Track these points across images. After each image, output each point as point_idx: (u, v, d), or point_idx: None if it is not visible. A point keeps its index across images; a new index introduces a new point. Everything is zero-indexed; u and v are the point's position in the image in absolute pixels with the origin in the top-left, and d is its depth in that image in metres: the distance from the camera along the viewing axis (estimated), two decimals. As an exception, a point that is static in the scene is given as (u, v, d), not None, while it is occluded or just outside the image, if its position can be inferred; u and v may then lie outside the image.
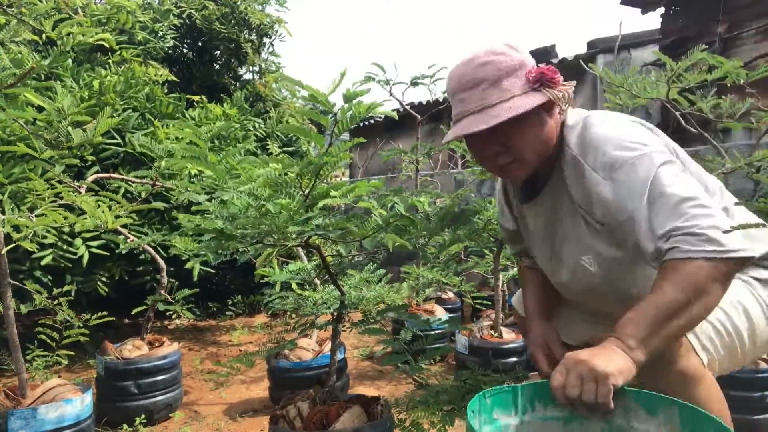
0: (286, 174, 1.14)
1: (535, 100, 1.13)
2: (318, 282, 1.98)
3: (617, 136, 1.12)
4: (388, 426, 1.37)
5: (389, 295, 1.44)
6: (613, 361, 0.93)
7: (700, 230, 0.98)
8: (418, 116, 3.40)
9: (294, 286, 1.98)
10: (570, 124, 1.22)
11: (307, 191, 1.13)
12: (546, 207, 1.28)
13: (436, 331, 3.12)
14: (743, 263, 1.00)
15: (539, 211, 1.30)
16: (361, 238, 1.21)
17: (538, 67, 1.20)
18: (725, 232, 0.98)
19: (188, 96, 4.17)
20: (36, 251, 2.46)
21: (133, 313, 2.68)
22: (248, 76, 5.33)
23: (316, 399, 1.44)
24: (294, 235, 1.16)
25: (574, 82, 1.23)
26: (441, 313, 3.29)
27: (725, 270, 0.98)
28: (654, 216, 1.04)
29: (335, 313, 1.47)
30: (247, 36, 4.84)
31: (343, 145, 1.11)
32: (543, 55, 9.27)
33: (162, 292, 2.55)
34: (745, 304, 1.13)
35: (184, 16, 4.54)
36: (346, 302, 1.42)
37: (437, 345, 2.92)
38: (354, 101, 1.04)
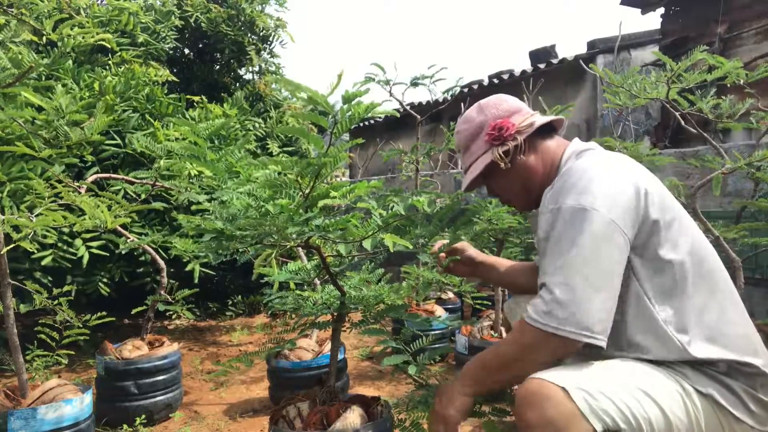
0: (285, 174, 1.14)
1: (488, 158, 1.28)
2: (318, 282, 1.98)
3: (588, 182, 1.11)
4: (388, 426, 1.37)
5: (389, 295, 1.44)
6: (452, 404, 1.18)
7: (549, 302, 1.06)
8: (418, 116, 3.40)
9: (292, 286, 1.98)
10: (577, 150, 1.28)
11: (306, 192, 1.13)
12: (534, 222, 1.35)
13: (436, 331, 3.12)
14: (574, 344, 1.05)
15: (534, 225, 1.36)
16: (361, 239, 1.21)
17: (495, 122, 1.31)
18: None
19: (188, 96, 4.18)
20: (36, 251, 2.46)
21: (133, 313, 2.68)
22: (248, 76, 5.33)
23: (316, 399, 1.44)
24: (294, 236, 1.16)
25: (533, 120, 1.29)
26: (441, 313, 3.29)
27: (556, 344, 1.06)
28: (542, 260, 1.14)
29: (335, 314, 1.47)
30: (251, 39, 4.84)
31: (342, 146, 1.11)
32: (543, 55, 9.28)
33: (162, 292, 2.55)
34: (673, 405, 1.04)
35: (190, 20, 4.54)
36: (346, 302, 1.42)
37: (437, 345, 2.92)
38: (353, 102, 1.04)
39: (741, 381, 1.09)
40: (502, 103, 1.34)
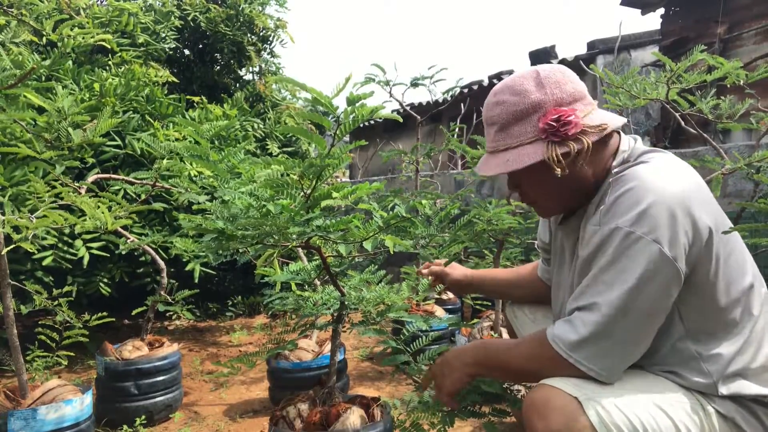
0: (287, 175, 1.14)
1: (539, 153, 1.03)
2: (318, 283, 1.98)
3: (650, 207, 0.95)
4: (388, 427, 1.37)
5: (389, 296, 1.44)
6: (451, 376, 1.19)
7: (581, 337, 0.99)
8: (418, 117, 3.40)
9: (293, 286, 1.98)
10: (635, 152, 1.09)
11: (308, 192, 1.13)
12: (567, 232, 1.20)
13: (436, 332, 3.12)
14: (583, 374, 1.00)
15: (563, 234, 1.23)
16: (362, 239, 1.21)
17: (557, 109, 1.03)
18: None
19: (188, 96, 4.18)
20: (36, 252, 2.46)
21: (133, 313, 2.68)
22: (248, 76, 5.33)
23: (316, 400, 1.44)
24: (295, 236, 1.16)
25: (604, 120, 1.05)
26: (441, 314, 3.29)
27: (574, 372, 1.00)
28: (579, 279, 1.06)
29: (335, 314, 1.48)
30: (250, 39, 4.84)
31: (345, 147, 1.12)
32: (543, 55, 9.28)
33: (162, 292, 2.55)
34: (689, 424, 0.99)
35: (189, 19, 4.54)
36: (347, 303, 1.42)
37: (437, 345, 2.92)
38: (357, 104, 1.04)
39: (767, 407, 1.04)
40: (567, 82, 1.07)
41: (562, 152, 1.01)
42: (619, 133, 1.14)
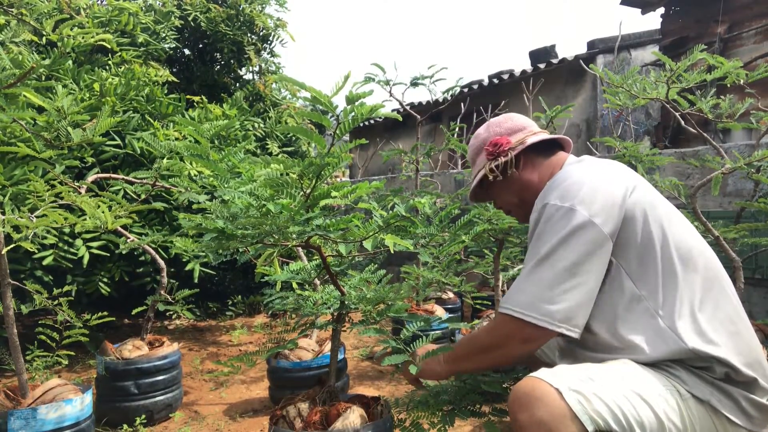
0: (287, 174, 1.14)
1: (483, 171, 1.39)
2: (318, 282, 1.98)
3: (571, 184, 1.18)
4: (388, 426, 1.37)
5: (389, 296, 1.44)
6: (426, 370, 1.35)
7: (521, 291, 1.15)
8: (418, 116, 3.40)
9: (295, 285, 1.98)
10: (571, 161, 1.36)
11: (308, 192, 1.13)
12: None
13: (436, 331, 3.12)
14: (542, 332, 1.12)
15: None
16: (361, 239, 1.21)
17: (495, 138, 1.41)
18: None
19: (188, 96, 4.17)
20: (37, 251, 2.46)
21: (133, 313, 2.68)
22: (248, 76, 5.33)
23: (316, 399, 1.44)
24: (295, 235, 1.16)
25: (526, 137, 1.38)
26: (441, 314, 3.29)
27: (526, 330, 1.13)
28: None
29: (335, 314, 1.47)
30: (250, 39, 4.84)
31: (345, 147, 1.12)
32: (543, 55, 9.28)
33: (162, 292, 2.55)
34: (668, 411, 1.04)
35: (189, 19, 4.54)
36: (347, 302, 1.42)
37: (437, 345, 2.92)
38: (357, 103, 1.04)
39: (740, 387, 1.08)
40: (507, 121, 1.43)
41: (495, 165, 1.36)
42: (569, 148, 1.45)
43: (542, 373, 1.05)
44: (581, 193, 1.14)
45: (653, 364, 1.11)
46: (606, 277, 1.15)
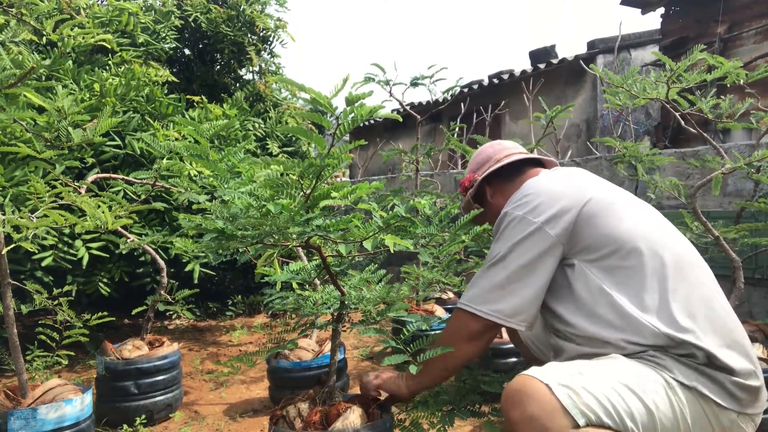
0: (287, 175, 1.14)
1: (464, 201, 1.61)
2: (318, 282, 1.98)
3: (528, 195, 1.30)
4: (387, 426, 1.37)
5: (389, 296, 1.44)
6: (391, 383, 1.41)
7: (475, 289, 1.27)
8: (418, 116, 3.40)
9: (295, 285, 1.98)
10: (534, 174, 1.49)
11: (308, 192, 1.13)
12: None
13: (437, 331, 3.12)
14: (492, 326, 1.26)
15: None
16: (362, 239, 1.21)
17: (465, 177, 1.61)
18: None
19: (188, 96, 4.17)
20: (37, 252, 2.46)
21: (133, 313, 2.68)
22: (248, 76, 5.33)
23: (316, 399, 1.44)
24: (295, 236, 1.16)
25: (489, 167, 1.54)
26: (441, 314, 3.29)
27: (479, 325, 1.26)
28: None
29: (335, 314, 1.47)
30: (251, 39, 4.84)
31: (345, 147, 1.12)
32: (543, 55, 9.28)
33: (162, 292, 2.55)
34: (657, 399, 1.06)
35: (190, 19, 4.54)
36: (347, 302, 1.42)
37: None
38: (356, 104, 1.04)
39: (724, 371, 1.10)
40: (479, 155, 1.59)
41: (466, 200, 1.57)
42: (540, 165, 1.55)
43: (532, 370, 1.09)
44: (535, 203, 1.26)
45: (639, 356, 1.13)
46: (573, 278, 1.23)
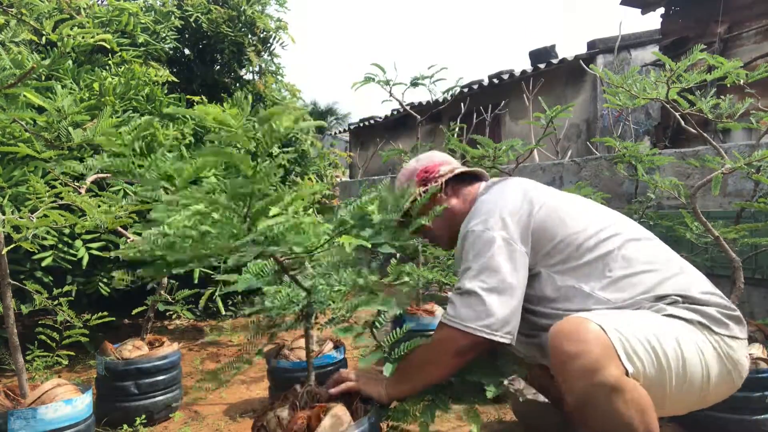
0: (218, 202, 1.03)
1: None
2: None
3: (487, 211, 1.38)
4: (373, 421, 1.30)
5: (360, 281, 1.33)
6: (371, 386, 1.37)
7: (457, 306, 1.29)
8: (418, 116, 3.40)
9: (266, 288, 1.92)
10: (487, 185, 1.57)
11: (245, 212, 1.05)
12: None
13: (430, 332, 3.12)
14: (479, 341, 1.25)
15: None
16: (312, 250, 1.14)
17: (423, 167, 1.62)
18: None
19: (188, 96, 4.17)
20: (37, 252, 2.46)
21: (133, 313, 2.68)
22: (248, 76, 5.33)
23: (296, 403, 1.36)
24: (239, 255, 1.07)
25: (455, 167, 1.60)
26: (441, 313, 3.28)
27: (465, 340, 1.26)
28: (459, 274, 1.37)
29: (303, 312, 1.39)
30: (251, 40, 4.84)
31: (271, 167, 1.00)
32: (543, 55, 9.28)
33: (162, 292, 2.55)
34: (677, 334, 1.18)
35: (190, 20, 4.54)
36: (313, 300, 1.34)
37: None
38: (274, 118, 0.98)
39: (706, 305, 1.23)
40: (434, 156, 1.66)
41: (424, 189, 1.55)
42: (479, 179, 1.63)
43: (583, 313, 1.18)
44: (496, 218, 1.35)
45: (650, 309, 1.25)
46: (542, 284, 1.33)
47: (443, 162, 1.63)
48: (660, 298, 1.24)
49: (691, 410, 1.26)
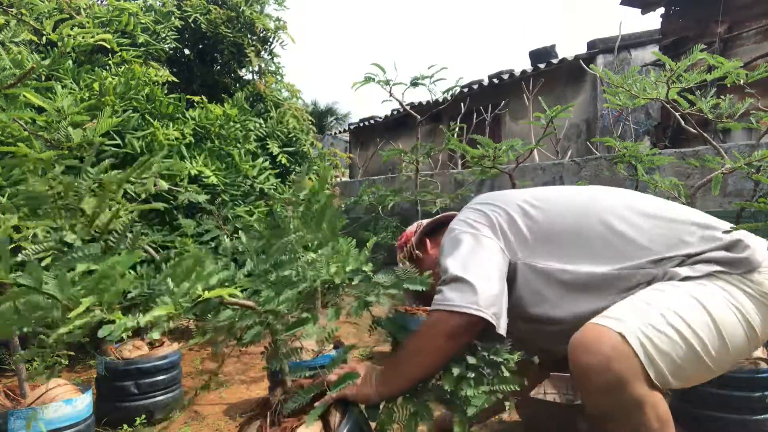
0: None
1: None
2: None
3: (461, 218, 1.47)
4: (351, 428, 1.25)
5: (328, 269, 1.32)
6: (363, 387, 1.33)
7: (445, 290, 1.28)
8: (418, 117, 3.40)
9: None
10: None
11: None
12: None
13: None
14: (469, 320, 1.22)
15: None
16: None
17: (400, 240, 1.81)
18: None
19: (188, 96, 4.18)
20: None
21: (133, 313, 2.67)
22: (248, 76, 5.34)
23: (267, 415, 1.30)
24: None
25: (421, 226, 1.75)
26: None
27: (454, 320, 1.23)
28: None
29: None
30: (250, 41, 4.84)
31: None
32: (543, 55, 9.28)
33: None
34: (700, 297, 1.16)
35: (190, 20, 4.54)
36: (262, 318, 1.27)
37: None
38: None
39: (719, 249, 1.21)
40: (412, 227, 1.80)
41: (402, 255, 1.74)
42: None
43: (602, 319, 1.16)
44: (471, 220, 1.43)
45: (649, 283, 1.24)
46: (525, 281, 1.34)
47: (417, 226, 1.78)
48: (665, 260, 1.22)
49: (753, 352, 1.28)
